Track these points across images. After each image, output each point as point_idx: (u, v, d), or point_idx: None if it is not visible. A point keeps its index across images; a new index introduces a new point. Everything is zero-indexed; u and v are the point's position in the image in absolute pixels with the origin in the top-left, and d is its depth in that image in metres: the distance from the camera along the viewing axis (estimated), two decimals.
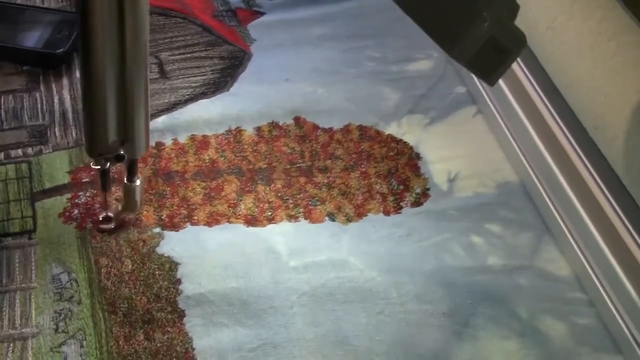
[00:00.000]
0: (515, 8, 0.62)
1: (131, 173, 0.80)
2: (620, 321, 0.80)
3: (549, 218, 0.89)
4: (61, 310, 0.78)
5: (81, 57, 0.69)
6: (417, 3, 0.62)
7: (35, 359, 0.74)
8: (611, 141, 0.82)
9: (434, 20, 0.62)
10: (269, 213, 0.88)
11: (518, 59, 0.95)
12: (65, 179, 0.89)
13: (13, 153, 0.91)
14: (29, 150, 0.91)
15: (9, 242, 0.83)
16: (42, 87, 0.98)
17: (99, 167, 0.77)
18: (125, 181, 0.81)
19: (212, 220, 0.87)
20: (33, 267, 0.81)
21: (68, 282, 0.80)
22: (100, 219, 0.85)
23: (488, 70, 0.64)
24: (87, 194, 0.87)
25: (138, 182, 0.81)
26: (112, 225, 0.85)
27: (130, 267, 0.82)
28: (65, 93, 0.97)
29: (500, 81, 0.96)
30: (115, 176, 0.88)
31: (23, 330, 0.77)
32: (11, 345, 0.75)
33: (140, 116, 0.74)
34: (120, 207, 0.84)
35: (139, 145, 0.76)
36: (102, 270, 0.81)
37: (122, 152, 0.76)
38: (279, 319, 0.79)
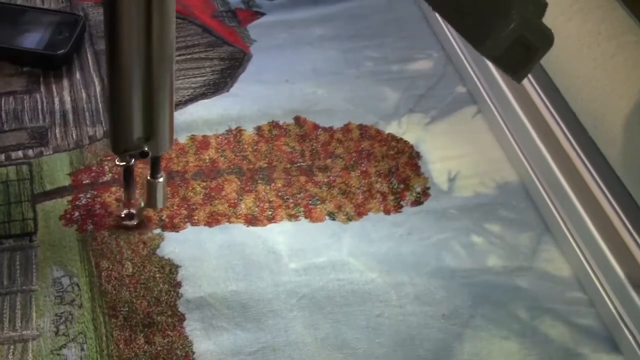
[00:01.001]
0: (544, 5, 0.62)
1: (155, 169, 0.80)
2: (620, 321, 0.80)
3: (549, 218, 0.89)
4: (62, 313, 0.78)
5: (107, 55, 0.70)
6: (447, 0, 0.62)
7: None
8: (611, 141, 0.82)
9: (463, 17, 0.62)
10: (269, 212, 0.88)
11: None
12: (66, 181, 0.89)
13: (14, 155, 0.91)
14: (30, 152, 0.91)
15: (10, 244, 0.83)
16: (42, 89, 0.98)
17: (123, 163, 0.77)
18: (149, 177, 0.81)
19: (213, 220, 0.87)
20: (34, 270, 0.81)
21: (69, 285, 0.80)
22: (123, 215, 0.85)
23: (516, 68, 0.64)
24: (88, 196, 0.87)
25: (161, 179, 0.81)
26: (134, 222, 0.85)
27: (130, 270, 0.82)
28: (65, 94, 0.97)
29: (500, 81, 0.96)
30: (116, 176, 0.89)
31: (23, 332, 0.77)
32: (11, 347, 0.76)
33: (165, 113, 0.74)
34: (142, 204, 0.84)
35: (163, 142, 0.76)
36: (103, 273, 0.81)
37: (146, 149, 0.76)
38: (278, 322, 0.79)
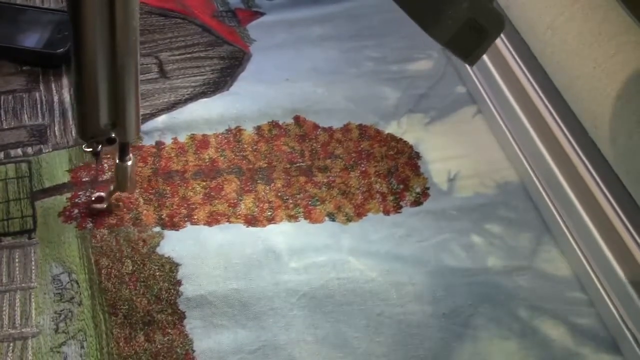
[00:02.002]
0: None
1: (123, 154, 0.80)
2: (620, 321, 0.80)
3: (549, 218, 0.89)
4: (61, 310, 0.78)
5: (72, 41, 0.70)
6: None
7: (36, 358, 0.75)
8: (611, 141, 0.82)
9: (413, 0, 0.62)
10: (269, 213, 0.88)
11: (518, 59, 0.95)
12: (65, 178, 0.88)
13: (13, 152, 0.91)
14: (29, 150, 0.91)
15: (8, 241, 0.83)
16: (41, 87, 0.97)
17: (90, 149, 0.77)
18: (117, 160, 0.81)
19: (212, 220, 0.87)
20: (33, 267, 0.81)
21: (68, 282, 0.80)
22: (93, 198, 0.85)
23: (467, 51, 0.64)
24: (87, 193, 0.87)
25: (130, 162, 0.81)
26: (104, 205, 0.85)
27: (130, 268, 0.82)
28: (64, 93, 0.97)
29: (500, 81, 0.96)
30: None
31: (23, 330, 0.77)
32: (11, 345, 0.75)
33: (131, 100, 0.74)
34: (112, 188, 0.85)
35: (130, 128, 0.77)
36: (103, 271, 0.81)
37: (113, 135, 0.76)
38: (278, 320, 0.79)
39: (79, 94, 0.73)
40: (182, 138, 0.94)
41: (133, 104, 0.75)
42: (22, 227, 0.84)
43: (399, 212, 0.90)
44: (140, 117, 0.78)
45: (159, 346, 0.76)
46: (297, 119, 0.98)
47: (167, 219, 0.86)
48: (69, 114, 0.95)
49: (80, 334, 0.76)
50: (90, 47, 0.69)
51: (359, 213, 0.89)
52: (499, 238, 0.88)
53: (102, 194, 0.85)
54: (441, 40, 0.62)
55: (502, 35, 0.97)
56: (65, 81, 0.98)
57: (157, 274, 0.81)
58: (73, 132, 0.93)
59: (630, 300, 0.78)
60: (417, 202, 0.91)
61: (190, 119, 0.96)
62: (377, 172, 0.93)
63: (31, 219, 0.85)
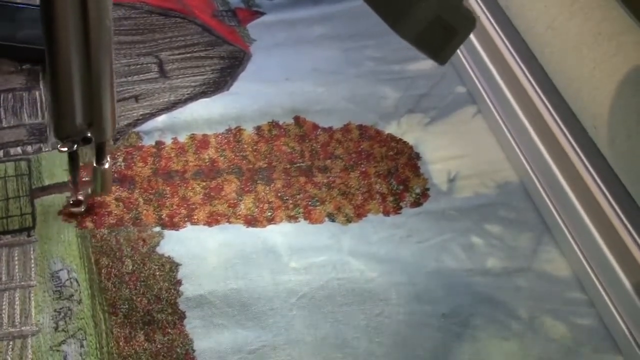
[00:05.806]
0: None
1: (100, 156, 0.79)
2: (620, 321, 0.80)
3: (549, 218, 0.89)
4: (61, 309, 0.78)
5: (45, 40, 0.69)
6: None
7: (35, 357, 0.74)
8: (611, 141, 0.82)
9: None
10: (269, 213, 0.88)
11: (517, 59, 0.95)
12: (65, 177, 0.88)
13: (12, 151, 0.91)
14: (29, 148, 0.91)
15: (8, 239, 0.83)
16: (41, 86, 0.97)
17: (65, 149, 0.76)
18: (94, 164, 0.80)
19: (212, 220, 0.87)
20: (32, 265, 0.81)
21: (68, 280, 0.80)
22: (70, 202, 0.85)
23: (436, 49, 0.63)
24: (88, 192, 0.87)
25: (107, 165, 0.80)
26: (82, 209, 0.85)
27: (130, 267, 0.81)
28: None
29: (500, 81, 0.96)
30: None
31: (23, 328, 0.77)
32: (11, 343, 0.75)
33: (106, 99, 0.74)
34: (90, 191, 0.84)
35: (106, 127, 0.76)
36: (103, 270, 0.81)
37: (89, 135, 0.75)
38: (278, 321, 0.79)
39: (53, 92, 0.72)
40: (182, 138, 0.94)
41: (109, 102, 0.74)
42: (22, 224, 0.84)
43: (399, 213, 0.90)
44: (117, 116, 0.77)
45: (159, 346, 0.76)
46: (297, 119, 0.98)
47: (167, 219, 0.86)
48: None
49: (80, 333, 0.76)
50: (64, 45, 0.68)
51: (359, 214, 0.89)
52: (498, 238, 0.88)
53: (81, 197, 0.84)
54: (409, 37, 0.62)
55: (502, 35, 0.97)
56: None
57: (157, 273, 0.81)
58: None
59: (630, 300, 0.79)
60: (417, 203, 0.91)
61: (190, 119, 0.96)
62: (377, 173, 0.93)
63: (30, 217, 0.85)
